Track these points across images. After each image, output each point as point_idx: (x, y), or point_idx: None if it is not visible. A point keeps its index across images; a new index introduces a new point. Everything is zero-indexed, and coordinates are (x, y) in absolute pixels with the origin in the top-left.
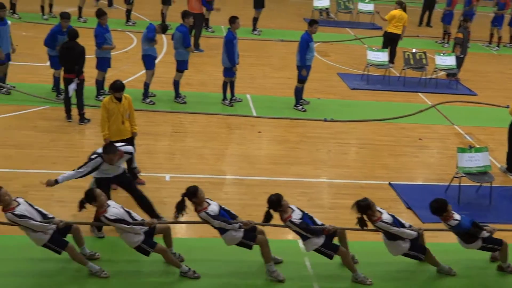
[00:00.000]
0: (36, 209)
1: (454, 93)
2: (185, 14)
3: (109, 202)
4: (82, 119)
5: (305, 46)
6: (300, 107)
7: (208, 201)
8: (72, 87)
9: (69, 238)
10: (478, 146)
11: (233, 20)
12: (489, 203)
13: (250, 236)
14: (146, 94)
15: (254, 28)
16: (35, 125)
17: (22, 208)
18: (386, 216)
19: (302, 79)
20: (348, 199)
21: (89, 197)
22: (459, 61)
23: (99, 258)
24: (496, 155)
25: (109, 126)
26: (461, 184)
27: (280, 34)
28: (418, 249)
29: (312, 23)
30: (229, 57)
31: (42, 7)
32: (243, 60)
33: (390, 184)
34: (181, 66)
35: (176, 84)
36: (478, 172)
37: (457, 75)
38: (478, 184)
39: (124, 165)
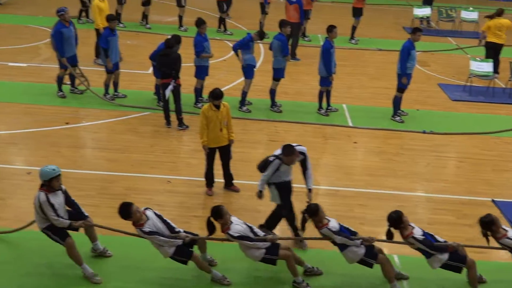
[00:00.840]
0: (164, 221)
1: None
2: (282, 23)
3: (232, 218)
4: (181, 124)
5: (406, 53)
6: (398, 118)
7: (328, 218)
8: (169, 88)
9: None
10: None
11: (330, 29)
12: None
13: (372, 253)
14: (243, 102)
15: (352, 37)
16: (136, 130)
17: (150, 224)
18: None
19: (402, 88)
20: (447, 215)
21: (215, 214)
22: None
23: (216, 264)
24: None
25: (208, 133)
26: None
27: (378, 43)
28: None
29: (416, 30)
30: (325, 66)
31: (144, 15)
32: (339, 70)
33: (493, 201)
34: (278, 74)
35: (272, 92)
36: None
37: None
38: None
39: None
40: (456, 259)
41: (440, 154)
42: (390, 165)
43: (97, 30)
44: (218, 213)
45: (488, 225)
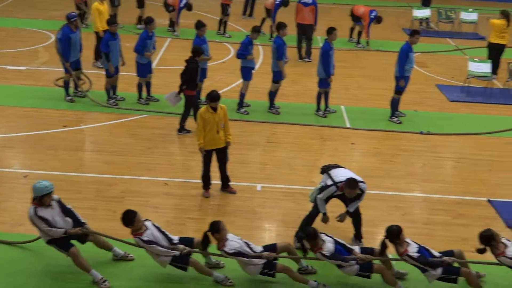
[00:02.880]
0: (162, 232)
1: None
2: (280, 26)
3: (229, 235)
4: (181, 129)
5: (404, 56)
6: (395, 119)
7: (324, 237)
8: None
9: None
10: None
11: (330, 31)
12: None
13: (368, 267)
14: (241, 104)
15: (358, 41)
16: (134, 133)
17: (149, 233)
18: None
19: (399, 90)
20: (443, 215)
21: (213, 228)
22: None
23: (223, 266)
24: None
25: (205, 135)
26: None
27: (379, 45)
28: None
29: (414, 33)
30: (324, 68)
31: (139, 17)
32: (338, 71)
33: (489, 200)
34: (277, 76)
35: (271, 94)
36: None
37: None
38: None
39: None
40: (450, 272)
41: (437, 154)
42: (387, 166)
43: (96, 33)
44: (216, 228)
45: (488, 239)
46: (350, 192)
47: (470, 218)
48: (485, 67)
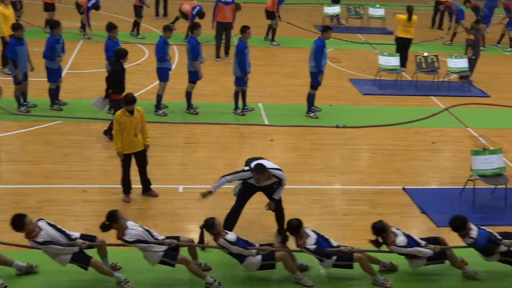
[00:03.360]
0: (59, 229)
1: (467, 95)
2: (194, 26)
3: (128, 223)
4: (107, 131)
5: (320, 52)
6: (312, 114)
7: (226, 231)
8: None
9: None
10: (492, 148)
11: (244, 29)
12: (505, 205)
13: (269, 256)
14: (158, 105)
15: (273, 39)
16: (49, 140)
17: (44, 234)
18: (400, 239)
19: (316, 85)
20: (362, 205)
21: (110, 218)
22: (472, 63)
23: (121, 268)
24: (511, 157)
25: (122, 139)
26: (476, 187)
27: (292, 42)
28: (436, 258)
29: (326, 29)
30: (240, 66)
31: (47, 21)
32: (254, 69)
33: (404, 189)
34: (194, 77)
35: (188, 95)
36: (492, 174)
37: (469, 77)
38: (493, 186)
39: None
40: (344, 259)
41: (353, 147)
42: (306, 161)
43: (2, 38)
44: (113, 218)
45: (380, 231)
46: (258, 177)
47: (387, 207)
48: (394, 61)
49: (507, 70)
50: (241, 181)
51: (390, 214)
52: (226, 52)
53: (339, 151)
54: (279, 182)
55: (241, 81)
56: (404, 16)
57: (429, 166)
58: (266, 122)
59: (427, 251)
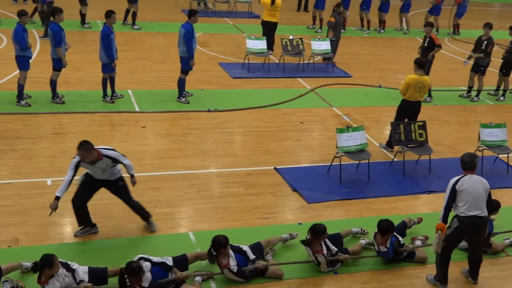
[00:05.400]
0: None
1: (331, 76)
2: (55, 11)
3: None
4: None
5: (190, 36)
6: (183, 99)
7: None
8: None
9: None
10: (355, 126)
11: (109, 14)
12: (368, 179)
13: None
14: (20, 96)
15: (133, 23)
16: None
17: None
18: (232, 261)
19: (186, 70)
20: (237, 187)
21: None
22: (333, 45)
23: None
24: (372, 133)
25: None
26: (342, 163)
27: (159, 26)
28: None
29: (194, 13)
30: (106, 52)
31: None
32: (122, 55)
33: (275, 168)
34: (58, 64)
35: (53, 83)
36: (356, 150)
37: (332, 58)
38: (357, 162)
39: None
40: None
41: (225, 130)
42: (180, 146)
43: None
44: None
45: (219, 246)
46: (82, 153)
47: (261, 187)
48: (261, 44)
49: (366, 51)
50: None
51: (264, 194)
52: None
53: (212, 135)
54: (115, 162)
55: (108, 68)
56: (268, 1)
57: (299, 146)
58: (137, 109)
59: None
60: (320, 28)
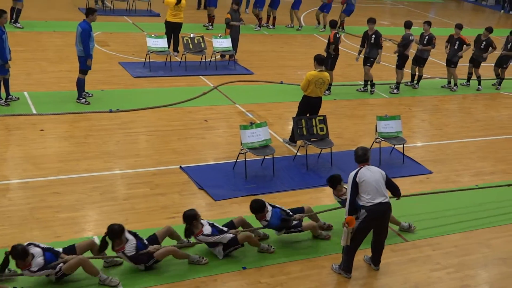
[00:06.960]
0: None
1: (233, 73)
2: None
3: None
4: None
5: (87, 35)
6: (83, 100)
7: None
8: None
9: None
10: (258, 122)
11: (0, 14)
12: (273, 174)
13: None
14: None
15: (16, 21)
16: None
17: None
18: (206, 228)
19: (85, 70)
20: (142, 188)
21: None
22: (234, 43)
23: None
24: (275, 129)
25: None
26: (247, 159)
27: (54, 26)
28: (232, 243)
29: (91, 11)
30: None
31: None
32: (16, 56)
33: (181, 167)
34: None
35: None
36: (260, 146)
37: (234, 56)
38: (262, 157)
39: None
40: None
41: (128, 130)
42: (81, 148)
43: None
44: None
45: (190, 218)
46: None
47: (167, 187)
48: (162, 42)
49: (266, 48)
50: None
51: (170, 193)
52: None
53: (114, 136)
54: None
55: (1, 69)
56: (173, 0)
57: (204, 144)
58: (34, 111)
59: (228, 236)
60: (211, 25)
